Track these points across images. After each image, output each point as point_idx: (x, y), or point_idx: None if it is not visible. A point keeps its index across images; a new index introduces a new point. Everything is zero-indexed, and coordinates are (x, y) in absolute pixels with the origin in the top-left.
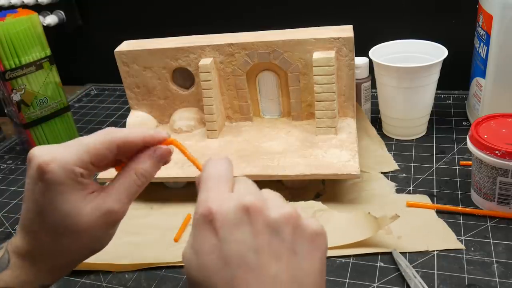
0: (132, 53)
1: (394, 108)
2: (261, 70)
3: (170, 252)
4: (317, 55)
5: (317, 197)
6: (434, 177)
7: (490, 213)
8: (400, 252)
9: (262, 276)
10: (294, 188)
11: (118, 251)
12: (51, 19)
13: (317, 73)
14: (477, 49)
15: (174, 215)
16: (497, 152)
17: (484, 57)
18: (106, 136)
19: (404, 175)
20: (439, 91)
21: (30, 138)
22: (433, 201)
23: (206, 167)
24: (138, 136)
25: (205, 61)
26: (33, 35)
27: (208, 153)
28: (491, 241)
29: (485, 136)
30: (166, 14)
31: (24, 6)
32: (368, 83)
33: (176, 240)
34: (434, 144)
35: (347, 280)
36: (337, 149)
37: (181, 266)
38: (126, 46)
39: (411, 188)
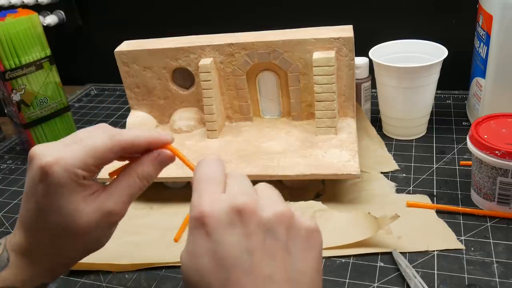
0: (132, 53)
1: (394, 108)
2: (261, 70)
3: (170, 252)
4: (317, 55)
5: (317, 197)
6: (434, 177)
7: (490, 213)
8: (400, 252)
9: (257, 277)
10: (294, 188)
11: (118, 251)
12: (51, 19)
13: (317, 73)
14: (477, 49)
15: (174, 215)
16: (497, 152)
17: (484, 57)
18: (112, 139)
19: (404, 175)
20: (439, 91)
21: (30, 138)
22: (433, 201)
23: (197, 169)
24: (145, 140)
25: (205, 61)
26: (33, 35)
27: (208, 153)
28: (491, 241)
29: (485, 136)
30: (166, 14)
31: (24, 6)
32: (368, 83)
33: (176, 240)
34: (434, 144)
35: (347, 280)
36: (337, 149)
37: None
38: (126, 46)
39: (411, 188)
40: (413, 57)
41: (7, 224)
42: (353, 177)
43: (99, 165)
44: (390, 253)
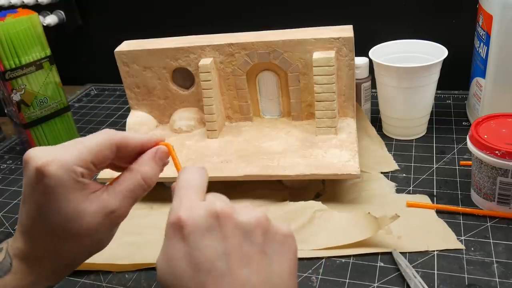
0: (132, 53)
1: (394, 108)
2: (261, 70)
3: None
4: (317, 55)
5: (317, 197)
6: (434, 177)
7: (490, 213)
8: (400, 252)
9: (233, 280)
10: (294, 188)
11: (118, 251)
12: (51, 19)
13: (317, 73)
14: (477, 49)
15: None
16: (497, 152)
17: (484, 57)
18: (105, 136)
19: (404, 175)
20: (439, 91)
21: (30, 138)
22: (433, 201)
23: (179, 176)
24: (138, 139)
25: (205, 61)
26: (33, 35)
27: (208, 153)
28: (491, 241)
29: (485, 136)
30: (166, 14)
31: (24, 6)
32: (368, 83)
33: None
34: (434, 144)
35: (347, 280)
36: (337, 149)
37: None
38: (126, 46)
39: (411, 188)
40: (413, 57)
41: (7, 224)
42: (353, 177)
43: (96, 163)
44: (390, 253)
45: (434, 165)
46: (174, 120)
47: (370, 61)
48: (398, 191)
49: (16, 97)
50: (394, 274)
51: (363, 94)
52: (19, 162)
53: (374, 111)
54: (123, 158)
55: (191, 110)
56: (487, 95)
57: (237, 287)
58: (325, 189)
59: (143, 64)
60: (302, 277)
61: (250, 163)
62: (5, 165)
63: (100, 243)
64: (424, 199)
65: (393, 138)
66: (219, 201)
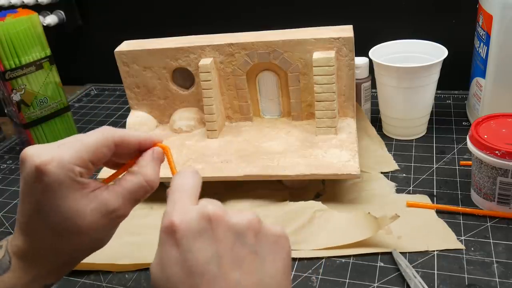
0: (132, 53)
1: (394, 108)
2: (261, 70)
3: None
4: (317, 55)
5: (317, 197)
6: (434, 177)
7: (490, 213)
8: (400, 252)
9: (226, 281)
10: (294, 188)
11: (118, 251)
12: (51, 19)
13: (317, 73)
14: (477, 49)
15: None
16: (497, 152)
17: (484, 57)
18: (103, 134)
19: (404, 175)
20: (439, 91)
21: (30, 138)
22: (433, 201)
23: (173, 181)
24: (135, 137)
25: (205, 61)
26: (33, 35)
27: (208, 153)
28: (491, 241)
29: (485, 136)
30: (166, 14)
31: (24, 6)
32: (368, 83)
33: None
34: (434, 144)
35: (347, 280)
36: (337, 149)
37: None
38: (126, 46)
39: (411, 188)
40: (413, 57)
41: (7, 224)
42: (353, 177)
43: (94, 161)
44: (390, 253)
45: (434, 165)
46: (174, 120)
47: (370, 61)
48: (398, 191)
49: (16, 97)
50: (394, 274)
51: (363, 94)
52: (19, 162)
53: (374, 111)
54: (121, 155)
55: (191, 110)
56: (487, 95)
57: (231, 285)
58: (325, 189)
59: (143, 64)
60: (302, 277)
61: (250, 163)
62: (5, 165)
63: (99, 242)
64: (424, 199)
65: (393, 138)
66: (211, 204)
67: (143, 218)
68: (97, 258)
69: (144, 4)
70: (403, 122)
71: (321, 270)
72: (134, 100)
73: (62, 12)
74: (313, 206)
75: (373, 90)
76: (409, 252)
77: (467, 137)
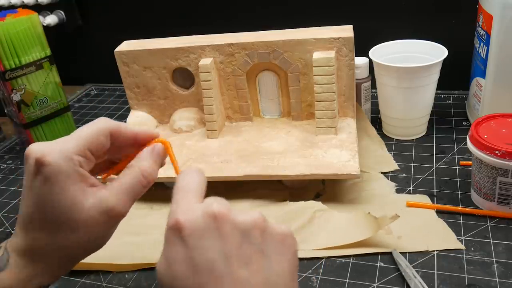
0: (132, 53)
1: (394, 108)
2: (261, 70)
3: None
4: (317, 55)
5: (317, 197)
6: (434, 177)
7: (490, 213)
8: (400, 252)
9: (233, 281)
10: (294, 188)
11: (118, 251)
12: (51, 19)
13: (317, 73)
14: (477, 49)
15: None
16: (497, 152)
17: (484, 57)
18: (99, 122)
19: (404, 175)
20: (439, 91)
21: (30, 138)
22: (433, 201)
23: (177, 179)
24: (131, 129)
25: (205, 61)
26: (33, 35)
27: (208, 153)
28: (491, 241)
29: (485, 136)
30: (166, 14)
31: (24, 6)
32: (368, 83)
33: None
34: (434, 144)
35: (347, 280)
36: (337, 149)
37: None
38: (126, 46)
39: (411, 188)
40: (413, 57)
41: (7, 224)
42: (353, 177)
43: (92, 150)
44: (390, 253)
45: (434, 165)
46: (174, 120)
47: (370, 61)
48: (398, 191)
49: (16, 97)
50: (394, 274)
51: (363, 94)
52: (19, 162)
53: (374, 111)
54: (117, 149)
55: (191, 110)
56: (487, 95)
57: (237, 286)
58: (325, 189)
59: (143, 64)
60: (302, 277)
61: (250, 163)
62: (5, 165)
63: (98, 241)
64: (424, 199)
65: (393, 138)
66: (216, 202)
67: (143, 218)
68: (97, 258)
69: (144, 4)
70: (403, 122)
71: (321, 270)
72: (134, 100)
73: (62, 12)
74: (313, 206)
75: (373, 90)
76: (409, 252)
77: (467, 137)
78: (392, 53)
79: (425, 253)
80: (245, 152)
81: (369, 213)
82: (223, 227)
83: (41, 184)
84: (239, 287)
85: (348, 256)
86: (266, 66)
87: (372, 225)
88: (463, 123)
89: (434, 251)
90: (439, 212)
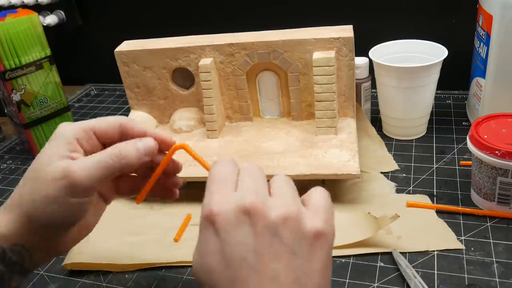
0: (132, 53)
1: (394, 108)
2: (261, 70)
3: (170, 252)
4: (317, 55)
5: None
6: (434, 177)
7: (490, 213)
8: (400, 252)
9: (262, 277)
10: None
11: (118, 251)
12: (51, 19)
13: (317, 73)
14: (477, 49)
15: (174, 215)
16: (497, 152)
17: (484, 57)
18: (111, 117)
19: (404, 175)
20: (439, 91)
21: (30, 138)
22: (433, 201)
23: (211, 170)
24: (141, 125)
25: (205, 61)
26: (33, 35)
27: (208, 153)
28: (491, 241)
29: (485, 136)
30: (166, 14)
31: (24, 6)
32: (368, 83)
33: (176, 240)
34: (434, 144)
35: (347, 280)
36: (337, 149)
37: (181, 266)
38: (126, 46)
39: (411, 188)
40: (413, 57)
41: None
42: (353, 177)
43: (97, 131)
44: (390, 253)
45: (434, 165)
46: (174, 120)
47: (370, 61)
48: (398, 191)
49: (16, 97)
50: (394, 274)
51: (363, 94)
52: (19, 162)
53: (374, 111)
54: (126, 137)
55: (191, 110)
56: (487, 95)
57: (266, 283)
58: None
59: (143, 64)
60: None
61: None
62: (5, 165)
63: (66, 215)
64: (424, 199)
65: (393, 138)
66: (250, 192)
67: (143, 218)
68: (97, 258)
69: (144, 4)
70: (403, 122)
71: None
72: (134, 100)
73: (62, 12)
74: None
75: (373, 90)
76: (409, 252)
77: (467, 137)
78: (392, 53)
79: (425, 253)
80: (245, 152)
81: (369, 213)
82: (255, 224)
83: (34, 162)
84: (267, 283)
85: (348, 256)
86: (266, 66)
87: (372, 225)
88: (463, 123)
89: (434, 251)
90: (439, 212)
